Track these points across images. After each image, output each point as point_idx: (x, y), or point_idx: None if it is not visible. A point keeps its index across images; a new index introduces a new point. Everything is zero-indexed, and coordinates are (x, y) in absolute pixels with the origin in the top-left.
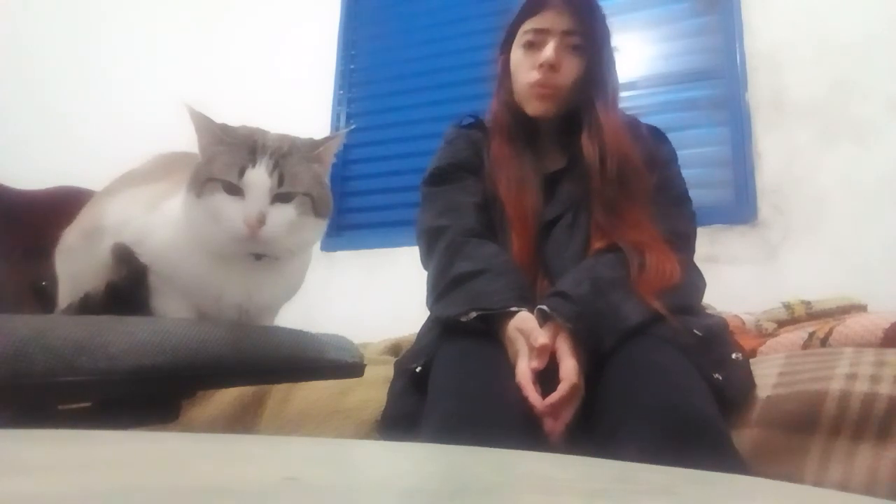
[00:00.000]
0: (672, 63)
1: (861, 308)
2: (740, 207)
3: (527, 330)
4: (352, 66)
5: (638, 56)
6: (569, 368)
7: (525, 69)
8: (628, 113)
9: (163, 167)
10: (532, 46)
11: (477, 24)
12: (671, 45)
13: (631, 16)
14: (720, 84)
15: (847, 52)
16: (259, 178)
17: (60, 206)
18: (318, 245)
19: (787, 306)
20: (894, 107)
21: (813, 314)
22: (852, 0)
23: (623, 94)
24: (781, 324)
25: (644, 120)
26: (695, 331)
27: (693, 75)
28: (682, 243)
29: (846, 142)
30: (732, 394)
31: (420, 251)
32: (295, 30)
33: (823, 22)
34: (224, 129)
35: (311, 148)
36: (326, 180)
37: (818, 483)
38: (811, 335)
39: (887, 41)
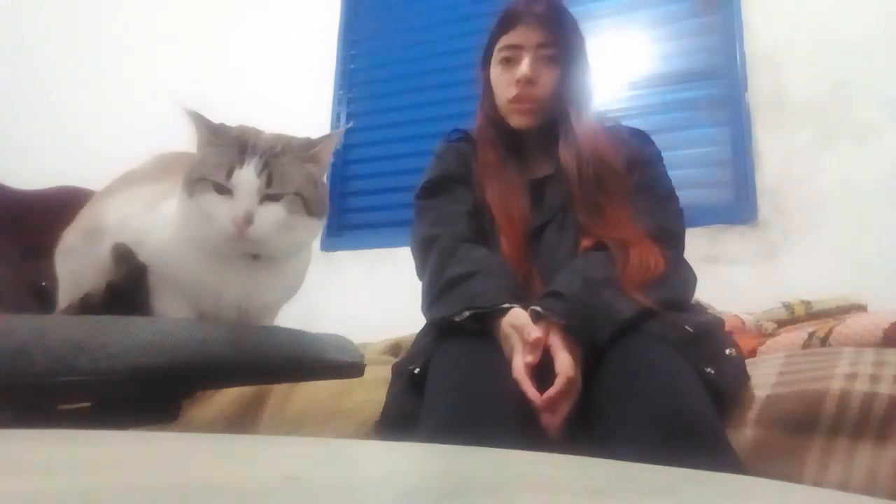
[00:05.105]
0: (672, 63)
1: (861, 308)
2: (740, 207)
3: (520, 325)
4: (352, 66)
5: (638, 56)
6: (564, 362)
7: (503, 85)
8: (628, 113)
9: (163, 167)
10: (509, 62)
11: (476, 24)
12: (671, 45)
13: (631, 16)
14: (720, 84)
15: (847, 52)
16: (247, 177)
17: (60, 206)
18: (318, 245)
19: (787, 306)
20: (894, 107)
21: (813, 314)
22: (852, 0)
23: (623, 94)
24: (781, 324)
25: (645, 120)
26: (686, 327)
27: (693, 75)
28: (671, 239)
29: (846, 142)
30: (725, 387)
31: (415, 262)
32: (295, 30)
33: (823, 22)
34: (216, 129)
35: (305, 147)
36: (323, 179)
37: (818, 483)
38: (811, 335)
39: (887, 41)
